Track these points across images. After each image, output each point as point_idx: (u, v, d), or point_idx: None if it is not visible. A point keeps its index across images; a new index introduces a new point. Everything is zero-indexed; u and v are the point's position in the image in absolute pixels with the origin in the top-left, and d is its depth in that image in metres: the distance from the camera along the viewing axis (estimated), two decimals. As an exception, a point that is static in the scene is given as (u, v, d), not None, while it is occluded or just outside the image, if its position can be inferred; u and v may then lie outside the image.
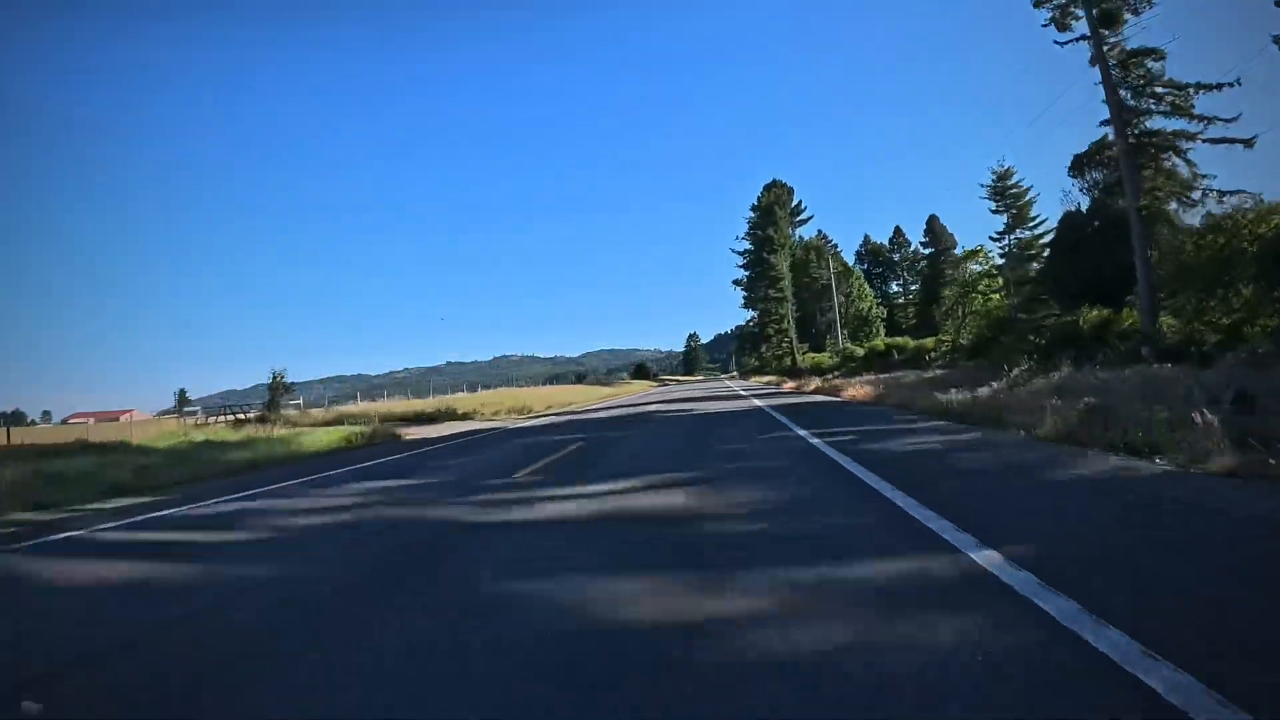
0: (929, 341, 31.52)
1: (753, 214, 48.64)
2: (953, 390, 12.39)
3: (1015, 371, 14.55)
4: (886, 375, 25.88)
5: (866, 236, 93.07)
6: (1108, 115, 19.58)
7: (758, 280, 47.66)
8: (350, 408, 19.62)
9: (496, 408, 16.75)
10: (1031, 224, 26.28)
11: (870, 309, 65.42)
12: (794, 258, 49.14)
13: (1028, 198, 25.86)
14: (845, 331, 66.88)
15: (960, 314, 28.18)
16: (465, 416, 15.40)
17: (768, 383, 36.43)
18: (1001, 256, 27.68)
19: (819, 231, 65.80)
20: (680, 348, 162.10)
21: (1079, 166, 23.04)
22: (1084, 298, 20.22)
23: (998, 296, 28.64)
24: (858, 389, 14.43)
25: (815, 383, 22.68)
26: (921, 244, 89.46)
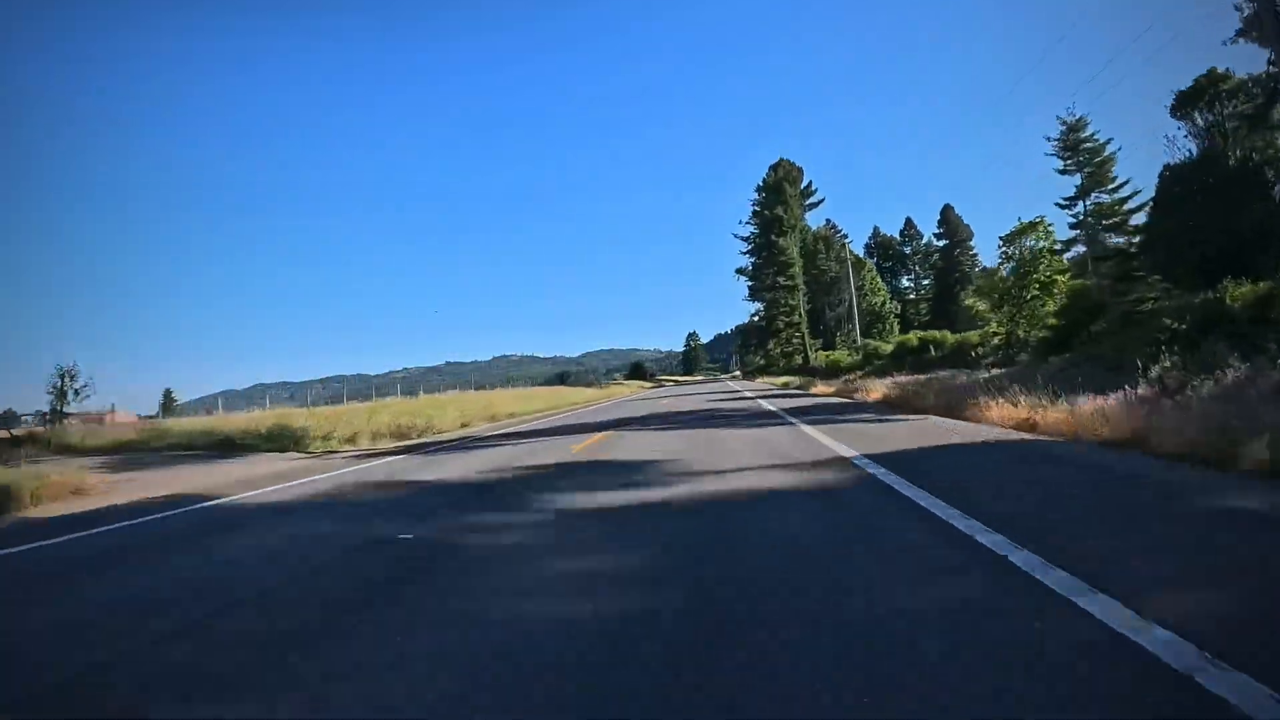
0: (973, 335, 26.25)
1: (758, 195, 43.05)
2: (1080, 399, 7.09)
3: (1156, 370, 9.43)
4: (926, 376, 20.86)
5: (876, 228, 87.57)
6: (1186, 56, 14.29)
7: (764, 267, 41.83)
8: (165, 424, 14.01)
9: (359, 426, 11.00)
10: (1111, 186, 20.97)
11: (883, 303, 60.46)
12: (804, 244, 43.51)
13: (1107, 153, 20.59)
14: (857, 328, 61.53)
15: (1017, 299, 22.80)
16: (276, 446, 9.60)
17: (784, 385, 30.03)
18: (1073, 227, 22.23)
19: (827, 221, 60.52)
20: (680, 348, 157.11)
21: (1185, 105, 17.87)
22: (1210, 268, 15.00)
23: (1063, 278, 23.17)
24: (1004, 407, 7.80)
25: (876, 389, 15.23)
26: (935, 235, 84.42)
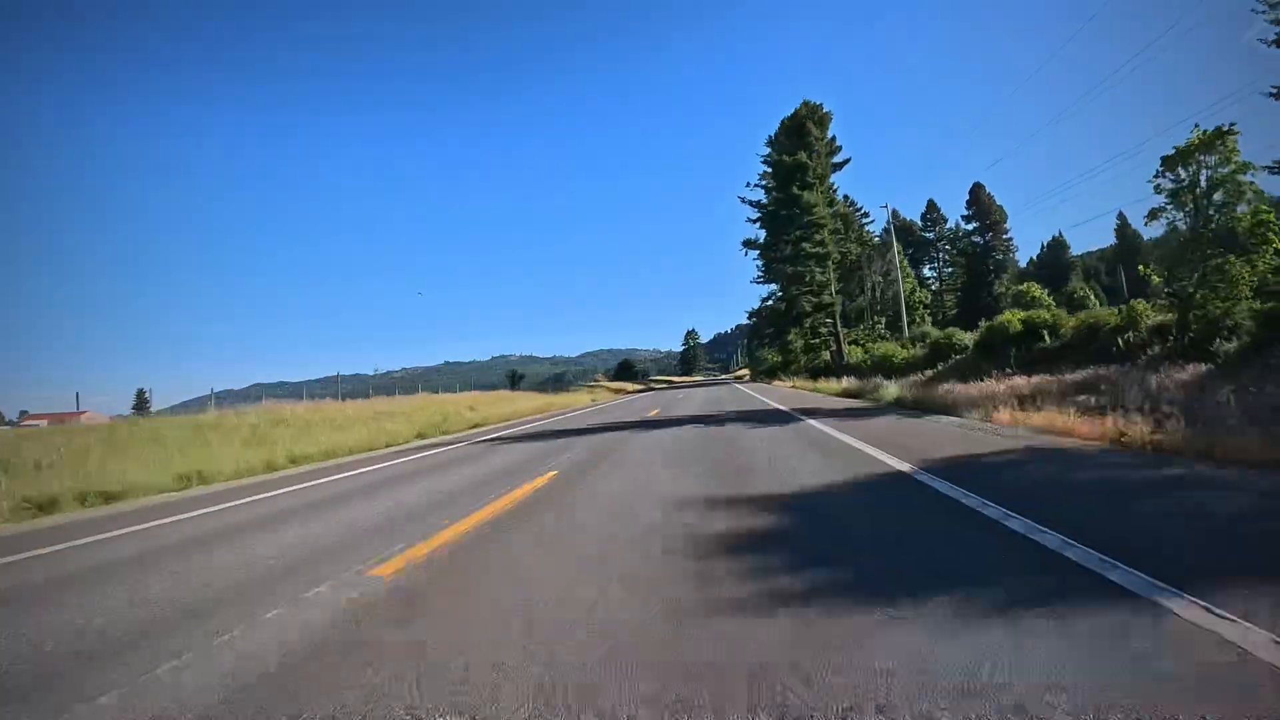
0: (1107, 315, 17.68)
1: (772, 146, 33.33)
2: None
3: None
4: (1080, 375, 12.60)
5: (895, 212, 77.93)
6: None
7: (782, 232, 31.31)
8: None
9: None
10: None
11: (913, 291, 52.41)
12: (829, 202, 34.05)
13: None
14: (883, 320, 53.07)
15: (1201, 249, 14.43)
16: None
17: (846, 393, 18.75)
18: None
19: (845, 197, 51.93)
20: (679, 347, 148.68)
21: None
22: None
23: (1271, 216, 14.64)
24: None
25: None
26: (963, 218, 75.66)
